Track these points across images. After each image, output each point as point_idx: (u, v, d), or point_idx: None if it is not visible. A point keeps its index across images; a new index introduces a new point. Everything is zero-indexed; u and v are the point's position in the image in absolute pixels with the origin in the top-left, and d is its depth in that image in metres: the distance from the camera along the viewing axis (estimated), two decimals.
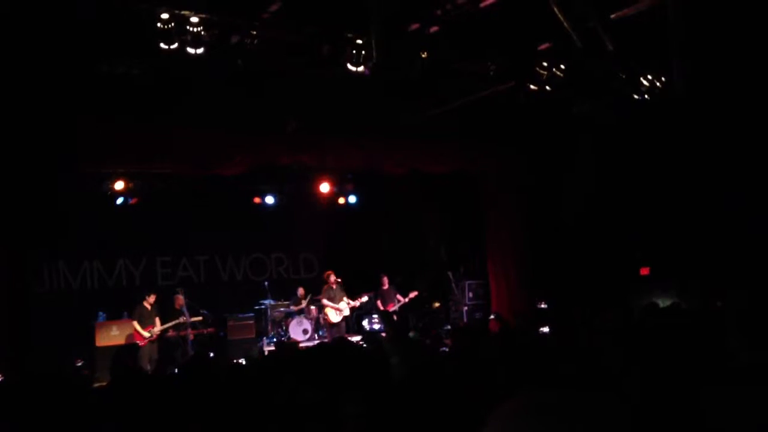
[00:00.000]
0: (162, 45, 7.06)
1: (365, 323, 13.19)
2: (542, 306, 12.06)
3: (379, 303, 13.37)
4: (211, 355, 10.15)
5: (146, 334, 11.23)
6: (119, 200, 12.02)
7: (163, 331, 11.48)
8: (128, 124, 9.35)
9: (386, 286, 13.44)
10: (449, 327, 13.34)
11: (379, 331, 12.57)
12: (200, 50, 7.20)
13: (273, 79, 8.83)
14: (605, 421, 1.02)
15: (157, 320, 11.49)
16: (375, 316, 13.21)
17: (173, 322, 11.52)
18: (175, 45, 7.09)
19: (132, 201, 12.20)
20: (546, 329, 8.66)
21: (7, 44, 7.26)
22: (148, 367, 10.61)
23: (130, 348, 11.14)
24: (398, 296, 13.38)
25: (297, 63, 8.28)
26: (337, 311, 12.79)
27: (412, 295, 13.45)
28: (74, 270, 12.66)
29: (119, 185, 11.74)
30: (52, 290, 12.26)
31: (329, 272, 13.06)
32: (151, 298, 11.52)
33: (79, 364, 10.30)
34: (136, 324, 11.28)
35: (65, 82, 8.01)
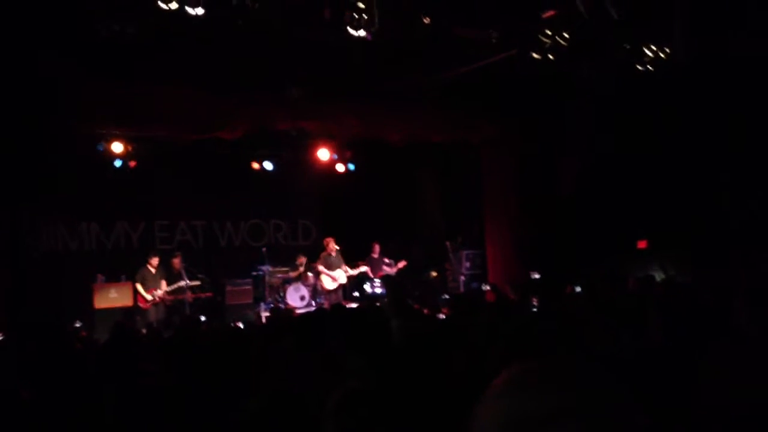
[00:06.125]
0: (160, 4, 6.96)
1: (367, 287, 13.27)
2: (535, 276, 12.06)
3: (369, 271, 13.42)
4: (203, 318, 10.20)
5: (149, 297, 11.28)
6: (117, 163, 11.97)
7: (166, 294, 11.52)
8: (124, 84, 9.25)
9: (376, 255, 13.48)
10: (446, 296, 13.40)
11: (381, 295, 12.63)
12: (200, 10, 7.09)
13: (273, 42, 8.72)
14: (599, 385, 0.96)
15: (163, 283, 11.51)
16: (376, 280, 13.27)
17: (176, 285, 11.56)
18: (174, 5, 6.98)
19: (131, 164, 12.14)
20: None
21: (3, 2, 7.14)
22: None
23: (131, 312, 11.17)
24: (385, 266, 13.42)
25: (298, 26, 8.17)
26: (332, 279, 12.85)
27: (401, 264, 13.47)
28: (73, 232, 12.64)
29: (118, 148, 11.66)
30: (50, 252, 12.24)
31: (329, 239, 13.08)
32: (154, 260, 11.56)
33: (78, 325, 10.34)
34: (139, 287, 11.31)
35: (60, 42, 7.90)
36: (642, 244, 11.88)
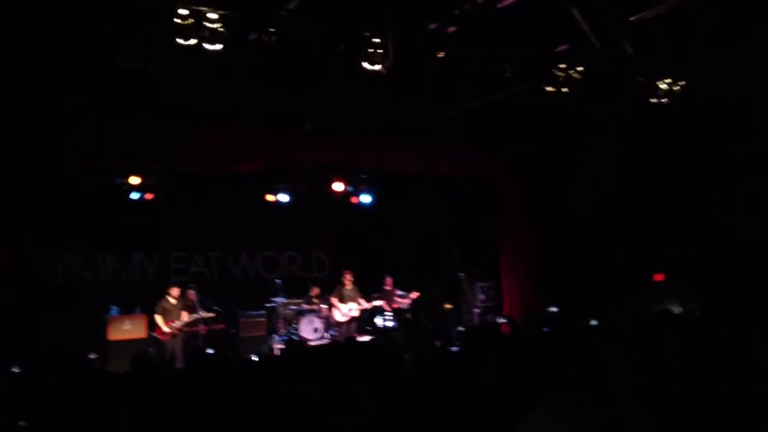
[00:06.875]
0: (179, 41, 7.08)
1: (378, 320, 13.22)
2: (552, 310, 11.96)
3: (384, 304, 13.40)
4: (208, 351, 10.13)
5: (166, 329, 11.13)
6: (135, 195, 12.07)
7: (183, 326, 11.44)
8: (144, 119, 9.39)
9: (389, 287, 13.47)
10: (461, 329, 13.31)
11: (392, 328, 12.57)
12: (218, 47, 7.21)
13: (289, 76, 8.84)
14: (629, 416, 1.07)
15: (184, 314, 11.36)
16: (388, 313, 13.24)
17: (194, 317, 11.49)
18: (193, 41, 7.11)
19: (147, 196, 12.25)
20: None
21: (25, 36, 7.31)
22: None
23: (146, 344, 11.05)
24: (398, 298, 13.39)
25: (314, 61, 8.29)
26: (342, 312, 12.83)
27: (413, 296, 13.45)
28: (89, 263, 12.72)
29: (135, 180, 11.79)
30: (66, 283, 12.31)
31: (347, 272, 13.11)
32: (174, 291, 11.41)
33: (92, 356, 10.35)
34: (158, 318, 11.18)
35: (82, 76, 8.06)
36: (659, 277, 11.77)
